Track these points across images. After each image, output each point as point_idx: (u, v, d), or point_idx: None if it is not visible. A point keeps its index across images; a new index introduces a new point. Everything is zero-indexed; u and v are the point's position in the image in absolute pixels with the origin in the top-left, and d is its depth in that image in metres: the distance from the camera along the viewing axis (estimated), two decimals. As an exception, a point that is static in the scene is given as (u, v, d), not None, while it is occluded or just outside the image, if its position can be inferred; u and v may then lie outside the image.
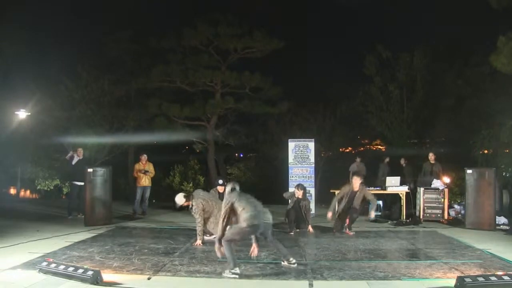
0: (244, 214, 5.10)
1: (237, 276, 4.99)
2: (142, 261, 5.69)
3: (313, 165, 10.89)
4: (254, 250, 5.42)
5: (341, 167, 16.66)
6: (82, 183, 9.53)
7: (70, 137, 13.38)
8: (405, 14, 20.21)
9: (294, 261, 5.46)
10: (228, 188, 5.53)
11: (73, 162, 10.21)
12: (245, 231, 5.12)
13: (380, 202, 10.67)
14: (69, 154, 10.39)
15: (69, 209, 10.18)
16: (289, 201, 8.42)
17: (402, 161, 12.34)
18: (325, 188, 12.49)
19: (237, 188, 5.54)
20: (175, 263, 5.59)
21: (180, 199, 7.07)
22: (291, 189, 9.91)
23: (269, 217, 5.29)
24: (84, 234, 7.75)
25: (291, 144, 10.92)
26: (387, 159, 12.81)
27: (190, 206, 7.05)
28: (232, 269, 5.02)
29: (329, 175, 16.11)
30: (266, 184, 17.14)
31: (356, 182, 8.21)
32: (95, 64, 15.21)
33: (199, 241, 6.86)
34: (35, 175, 15.08)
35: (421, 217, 9.65)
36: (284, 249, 5.61)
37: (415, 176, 11.40)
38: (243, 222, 5.08)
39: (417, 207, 10.02)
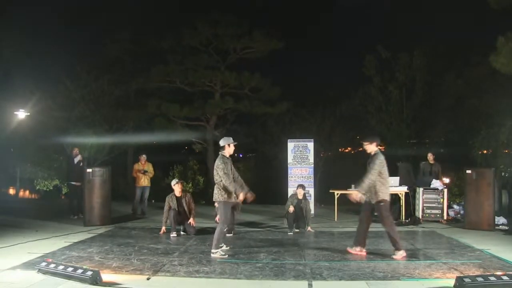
0: None
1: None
2: (141, 261, 5.69)
3: (313, 165, 10.89)
4: None
5: (340, 167, 16.68)
6: (78, 183, 9.65)
7: (70, 137, 13.41)
8: (405, 14, 20.20)
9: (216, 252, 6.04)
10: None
11: (75, 162, 10.29)
12: None
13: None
14: (77, 158, 10.37)
15: (72, 209, 10.20)
16: (289, 202, 8.37)
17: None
18: (325, 189, 12.49)
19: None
20: (174, 263, 5.59)
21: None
22: (290, 190, 9.91)
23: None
24: (83, 234, 7.75)
25: (291, 144, 10.92)
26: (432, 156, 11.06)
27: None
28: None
29: (329, 175, 16.11)
30: (266, 184, 17.14)
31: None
32: (95, 64, 15.22)
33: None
34: (34, 175, 15.08)
35: (420, 217, 9.65)
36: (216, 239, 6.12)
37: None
38: None
39: (417, 208, 10.02)
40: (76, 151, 10.48)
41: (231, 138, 6.31)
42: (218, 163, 6.15)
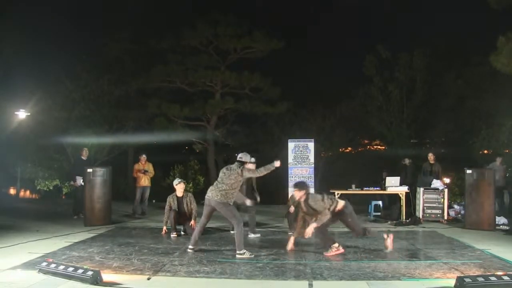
0: None
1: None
2: (141, 261, 5.68)
3: (313, 165, 10.89)
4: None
5: (341, 167, 16.68)
6: (79, 183, 9.69)
7: (70, 137, 13.40)
8: (405, 14, 20.21)
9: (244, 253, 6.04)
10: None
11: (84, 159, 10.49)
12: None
13: (380, 202, 10.68)
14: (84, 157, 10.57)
15: (73, 209, 10.23)
16: (290, 202, 8.36)
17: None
18: (325, 189, 12.48)
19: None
20: (174, 263, 5.59)
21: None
22: (290, 190, 9.90)
23: (209, 194, 6.24)
24: (83, 234, 7.75)
25: (291, 144, 10.92)
26: (500, 159, 10.88)
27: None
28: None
29: (329, 175, 16.11)
30: (266, 184, 17.12)
31: None
32: (95, 64, 15.21)
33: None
34: (34, 175, 15.07)
35: (420, 217, 9.65)
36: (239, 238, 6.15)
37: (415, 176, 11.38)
38: None
39: (417, 207, 10.02)
40: (86, 151, 10.57)
41: (249, 155, 6.46)
42: (238, 171, 6.17)
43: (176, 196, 7.98)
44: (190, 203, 7.98)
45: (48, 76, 14.05)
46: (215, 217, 10.30)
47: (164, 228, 7.95)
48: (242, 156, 6.35)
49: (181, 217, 7.92)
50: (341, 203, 6.33)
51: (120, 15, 16.30)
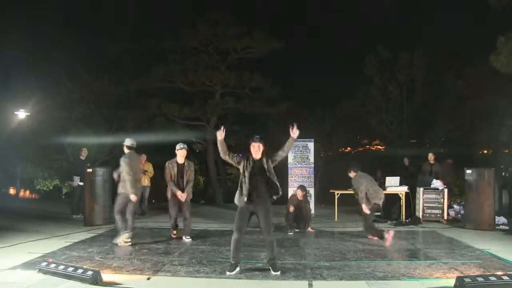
0: None
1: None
2: (141, 261, 5.69)
3: (313, 165, 10.89)
4: None
5: (341, 167, 16.65)
6: (76, 183, 9.72)
7: (70, 137, 13.41)
8: (405, 14, 20.17)
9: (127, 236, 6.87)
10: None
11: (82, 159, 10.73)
12: None
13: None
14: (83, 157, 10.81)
15: (73, 209, 10.25)
16: (289, 203, 8.37)
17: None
18: (325, 188, 12.49)
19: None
20: (174, 263, 5.59)
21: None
22: (290, 190, 9.91)
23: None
24: (83, 234, 7.76)
25: (291, 144, 10.91)
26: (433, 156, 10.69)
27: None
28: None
29: (329, 175, 16.09)
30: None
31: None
32: (95, 64, 15.22)
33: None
34: (34, 175, 15.07)
35: (420, 217, 9.65)
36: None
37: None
38: None
39: (417, 207, 10.02)
40: (85, 151, 10.68)
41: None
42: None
43: (177, 162, 7.19)
44: (189, 174, 7.22)
45: (48, 76, 14.06)
46: (215, 217, 10.34)
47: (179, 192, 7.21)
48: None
49: (179, 186, 7.19)
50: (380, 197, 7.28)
51: (120, 15, 16.31)
